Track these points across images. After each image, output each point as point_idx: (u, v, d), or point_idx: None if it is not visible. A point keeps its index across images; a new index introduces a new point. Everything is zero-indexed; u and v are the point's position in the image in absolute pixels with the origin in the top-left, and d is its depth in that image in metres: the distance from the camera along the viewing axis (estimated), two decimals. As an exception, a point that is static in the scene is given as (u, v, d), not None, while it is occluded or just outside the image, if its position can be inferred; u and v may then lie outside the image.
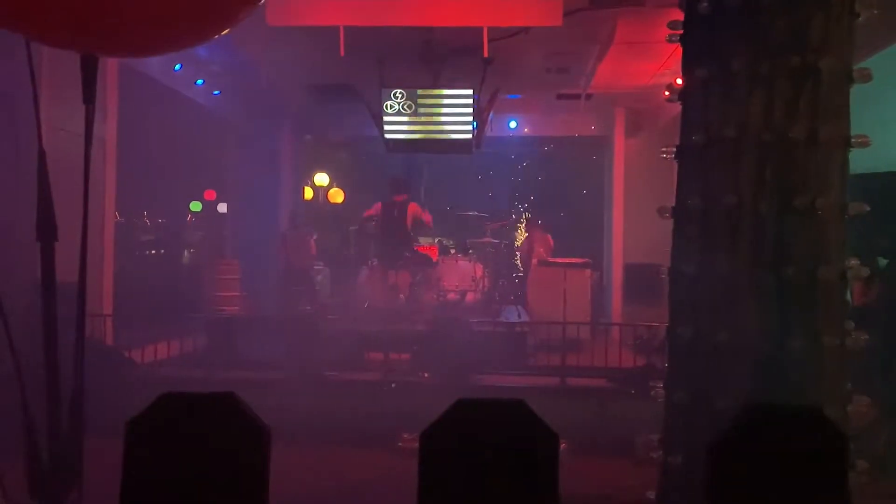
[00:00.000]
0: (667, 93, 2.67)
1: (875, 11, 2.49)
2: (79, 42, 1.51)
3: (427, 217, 9.50)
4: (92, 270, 7.04)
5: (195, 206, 17.96)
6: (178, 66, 8.65)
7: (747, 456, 1.36)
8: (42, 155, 1.61)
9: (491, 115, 9.25)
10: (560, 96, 10.70)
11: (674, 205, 2.54)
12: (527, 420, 1.31)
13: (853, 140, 2.46)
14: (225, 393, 1.35)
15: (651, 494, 2.70)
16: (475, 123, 8.69)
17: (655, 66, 7.99)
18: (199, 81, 9.34)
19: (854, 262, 2.52)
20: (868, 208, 2.52)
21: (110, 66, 7.29)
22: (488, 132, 9.56)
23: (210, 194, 16.99)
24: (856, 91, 2.58)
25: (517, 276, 11.06)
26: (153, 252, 18.50)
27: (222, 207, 14.90)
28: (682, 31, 2.63)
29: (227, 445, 1.26)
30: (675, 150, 2.58)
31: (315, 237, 10.82)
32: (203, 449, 1.25)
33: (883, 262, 6.85)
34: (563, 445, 5.40)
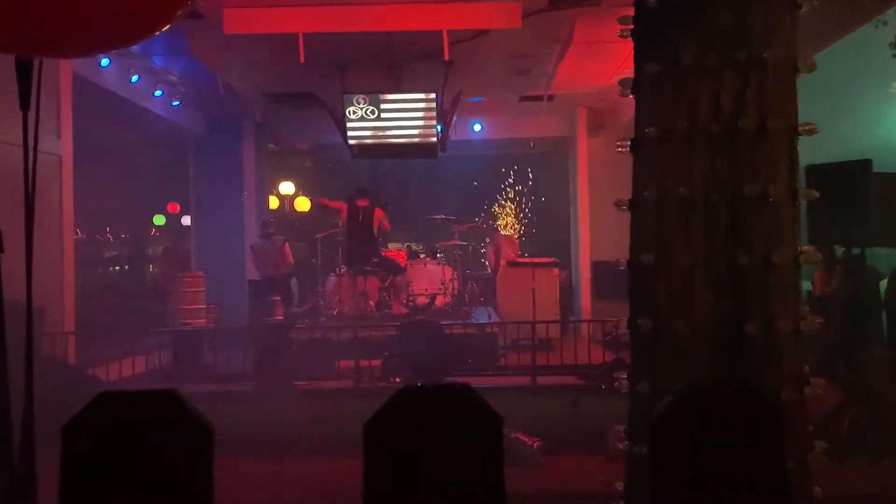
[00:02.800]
0: (620, 88, 2.70)
1: (816, 3, 2.55)
2: (12, 44, 1.47)
3: (387, 225, 9.48)
4: (52, 288, 6.95)
5: (158, 219, 17.70)
6: (135, 78, 8.52)
7: (684, 435, 1.39)
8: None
9: (455, 118, 9.28)
10: (523, 98, 10.79)
11: (630, 198, 2.58)
12: (471, 404, 1.32)
13: (801, 128, 2.51)
14: (165, 390, 1.32)
15: (620, 486, 2.73)
16: (439, 127, 8.71)
17: (615, 65, 8.11)
18: (158, 93, 9.20)
19: (807, 247, 2.57)
20: (818, 195, 2.58)
21: (63, 79, 7.15)
22: (453, 135, 9.59)
23: (174, 207, 16.75)
24: (810, 84, 2.65)
25: (486, 278, 11.09)
26: (117, 268, 18.15)
27: (186, 220, 14.70)
28: (632, 27, 2.67)
29: (169, 444, 1.24)
30: (629, 143, 2.61)
31: (289, 243, 10.65)
32: (144, 449, 1.23)
33: (839, 250, 7.03)
34: (536, 444, 5.42)
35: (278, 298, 9.73)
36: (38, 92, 1.58)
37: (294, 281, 12.01)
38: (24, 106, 1.54)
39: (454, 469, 1.24)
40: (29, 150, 1.59)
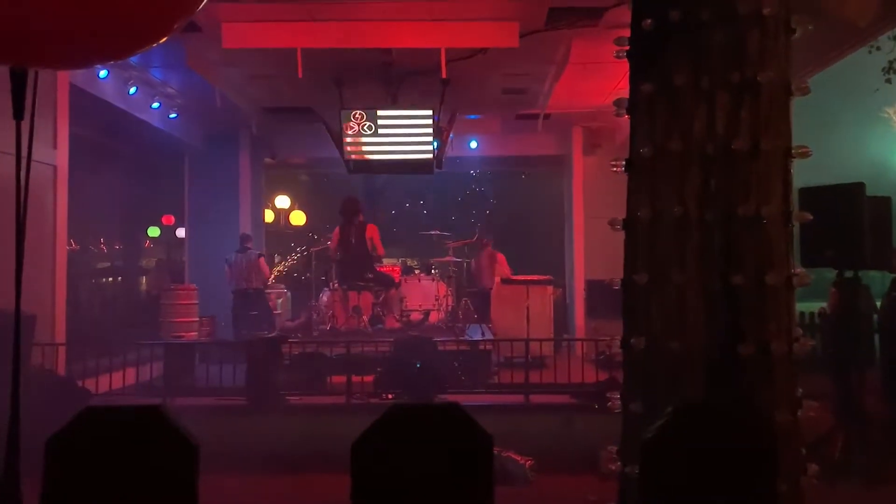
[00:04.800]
0: (615, 108, 2.71)
1: (810, 27, 2.58)
2: (6, 54, 1.47)
3: (379, 247, 9.36)
4: (44, 298, 6.90)
5: (153, 231, 17.68)
6: (133, 90, 8.53)
7: (676, 456, 1.38)
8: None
9: (451, 135, 9.31)
10: (519, 116, 10.86)
11: (624, 217, 2.58)
12: (460, 423, 1.31)
13: (794, 150, 2.53)
14: (151, 406, 1.31)
15: (612, 506, 2.70)
16: (436, 143, 8.74)
17: (610, 84, 8.17)
18: (156, 105, 9.22)
19: (800, 269, 2.58)
20: (811, 217, 2.59)
21: (60, 89, 7.16)
22: (449, 152, 9.62)
23: (168, 219, 16.74)
24: (803, 107, 2.67)
25: (480, 295, 11.08)
26: (109, 279, 18.09)
27: (181, 232, 14.68)
28: (628, 48, 2.69)
29: (154, 461, 1.22)
30: (624, 163, 2.62)
31: (264, 258, 10.61)
32: (127, 465, 1.21)
33: (832, 273, 7.05)
34: (528, 462, 5.38)
35: (258, 312, 9.70)
36: (32, 102, 1.58)
37: (287, 294, 11.97)
38: (18, 115, 1.53)
39: (443, 489, 1.23)
40: (21, 159, 1.59)
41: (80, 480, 1.20)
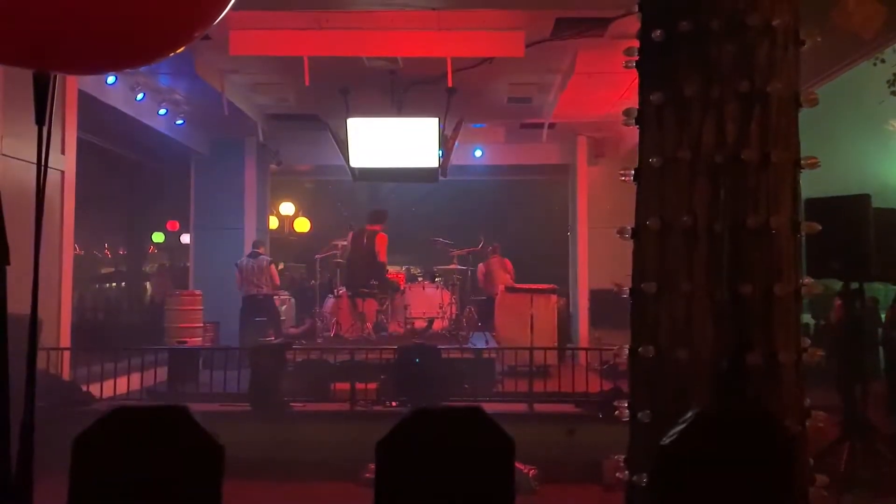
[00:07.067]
0: (624, 117, 2.72)
1: (819, 39, 2.59)
2: (32, 59, 1.49)
3: (382, 256, 9.34)
4: (49, 303, 6.92)
5: (158, 236, 17.72)
6: (141, 96, 8.59)
7: (690, 464, 1.38)
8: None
9: (456, 143, 9.35)
10: (524, 125, 10.89)
11: (633, 226, 2.59)
12: (482, 425, 1.32)
13: (803, 161, 2.53)
14: (178, 406, 1.32)
15: (618, 516, 2.70)
16: (441, 152, 8.77)
17: (615, 94, 8.21)
18: (163, 111, 9.27)
19: (808, 280, 2.58)
20: (819, 228, 2.59)
21: (69, 95, 7.21)
22: (454, 161, 9.65)
23: (173, 225, 16.78)
24: (809, 118, 2.68)
25: (484, 302, 11.08)
26: (113, 284, 18.11)
27: (185, 238, 14.72)
28: (637, 58, 2.70)
29: (181, 461, 1.23)
30: (633, 172, 2.63)
31: (273, 264, 10.68)
32: (155, 465, 1.22)
33: (838, 284, 7.05)
34: (532, 472, 5.37)
35: (266, 318, 9.74)
36: (50, 108, 1.60)
37: (292, 301, 12.00)
38: (40, 121, 1.55)
39: (465, 491, 1.24)
40: (41, 164, 1.61)
41: (106, 480, 1.21)
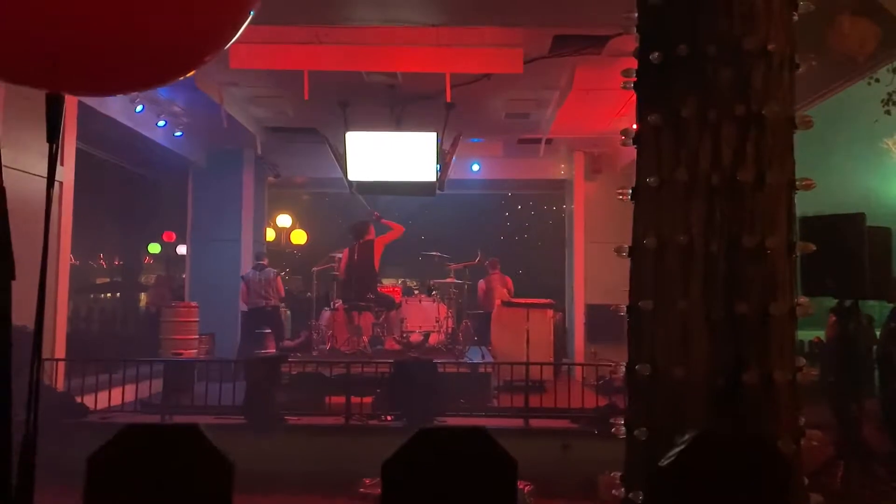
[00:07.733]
0: (622, 137, 2.76)
1: (814, 63, 2.64)
2: (45, 80, 1.52)
3: (376, 262, 9.30)
4: (45, 313, 6.90)
5: (154, 247, 17.71)
6: (140, 108, 8.62)
7: (688, 482, 1.40)
8: (2, 192, 1.60)
9: (454, 158, 9.40)
10: (521, 140, 10.96)
11: (630, 244, 2.62)
12: (486, 446, 1.34)
13: (798, 183, 2.57)
14: (189, 425, 1.34)
15: (614, 533, 2.70)
16: (439, 166, 8.82)
17: (613, 111, 8.28)
18: (162, 123, 9.30)
19: (803, 299, 2.61)
20: (814, 248, 2.63)
21: (69, 109, 7.24)
22: (451, 175, 9.70)
23: (169, 236, 16.78)
24: (804, 138, 2.72)
25: (480, 317, 11.09)
26: (108, 294, 18.05)
27: (181, 249, 14.70)
28: (635, 79, 2.74)
29: (191, 480, 1.24)
30: (630, 191, 2.66)
31: (280, 276, 10.76)
32: (167, 483, 1.23)
33: (832, 302, 7.09)
34: (527, 488, 5.35)
35: (269, 331, 9.75)
36: (61, 126, 1.62)
37: (287, 314, 11.99)
38: (52, 139, 1.57)
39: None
40: (52, 181, 1.63)
41: (120, 498, 1.22)
